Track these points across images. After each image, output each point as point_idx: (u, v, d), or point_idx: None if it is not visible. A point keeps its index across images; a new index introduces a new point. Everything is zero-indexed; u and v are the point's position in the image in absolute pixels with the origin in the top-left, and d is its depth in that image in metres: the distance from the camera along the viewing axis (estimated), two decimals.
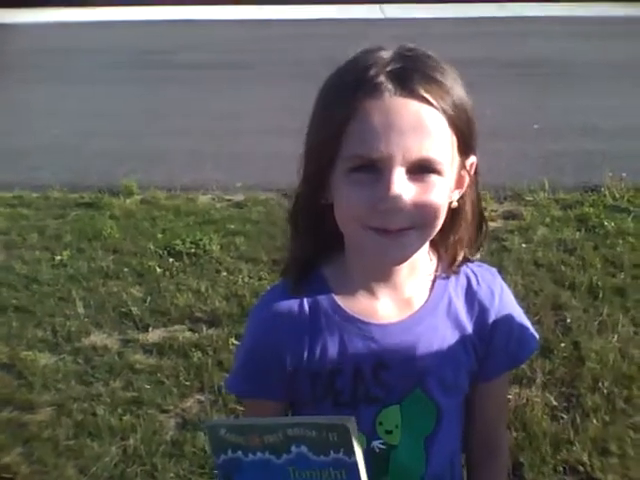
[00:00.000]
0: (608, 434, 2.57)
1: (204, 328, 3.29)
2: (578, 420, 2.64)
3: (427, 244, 1.08)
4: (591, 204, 4.55)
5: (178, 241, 4.12)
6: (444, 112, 0.98)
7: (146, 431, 2.65)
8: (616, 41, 9.95)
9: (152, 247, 4.09)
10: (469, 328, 1.12)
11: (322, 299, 1.11)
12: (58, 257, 4.04)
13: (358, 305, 1.10)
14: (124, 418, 2.73)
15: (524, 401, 2.72)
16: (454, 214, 1.08)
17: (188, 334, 3.27)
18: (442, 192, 1.00)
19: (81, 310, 3.46)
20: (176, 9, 13.51)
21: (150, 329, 3.32)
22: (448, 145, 0.99)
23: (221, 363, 3.01)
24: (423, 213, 0.99)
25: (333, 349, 1.09)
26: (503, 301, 1.14)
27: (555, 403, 2.74)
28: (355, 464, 0.89)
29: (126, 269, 3.87)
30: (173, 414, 2.78)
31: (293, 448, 0.91)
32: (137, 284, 3.73)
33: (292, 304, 1.11)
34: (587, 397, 2.75)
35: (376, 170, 0.97)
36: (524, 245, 4.05)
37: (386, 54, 0.99)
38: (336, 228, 1.05)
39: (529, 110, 6.79)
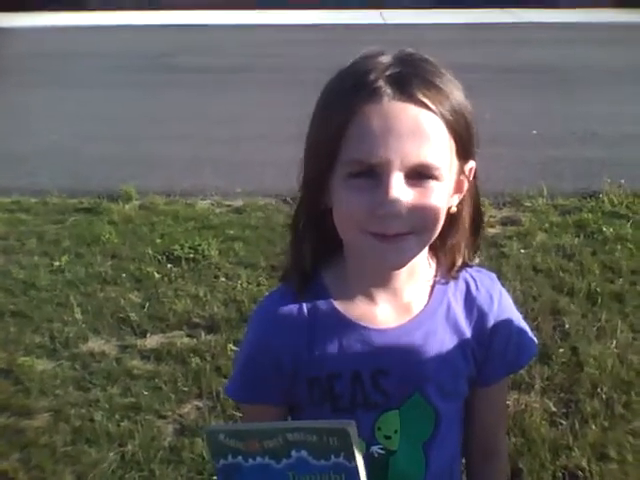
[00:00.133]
0: (607, 440, 2.56)
1: (202, 334, 3.28)
2: (577, 426, 2.63)
3: (426, 249, 1.08)
4: (590, 210, 4.56)
5: (177, 246, 4.12)
6: (443, 117, 0.98)
7: (144, 437, 2.64)
8: (617, 47, 9.98)
9: (151, 252, 4.09)
10: (468, 333, 1.12)
11: (321, 304, 1.11)
12: (56, 262, 4.03)
13: (357, 310, 1.10)
14: (122, 424, 2.72)
15: (523, 407, 2.72)
16: (453, 219, 1.08)
17: (186, 340, 3.27)
18: (441, 197, 1.00)
19: (79, 316, 3.45)
20: (175, 14, 13.55)
21: (148, 335, 3.31)
22: (447, 150, 0.99)
23: (219, 369, 3.00)
24: (421, 218, 0.99)
25: (332, 354, 1.09)
26: (502, 306, 1.14)
27: (554, 409, 2.74)
28: (355, 469, 0.89)
29: (124, 274, 3.87)
30: (171, 420, 2.77)
31: (293, 453, 0.91)
32: (135, 290, 3.72)
33: (291, 309, 1.11)
34: (586, 403, 2.74)
35: (375, 175, 0.97)
36: (523, 251, 4.05)
37: (385, 59, 1.00)
38: (335, 233, 1.05)
39: (528, 116, 6.80)
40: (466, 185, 1.07)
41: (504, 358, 1.14)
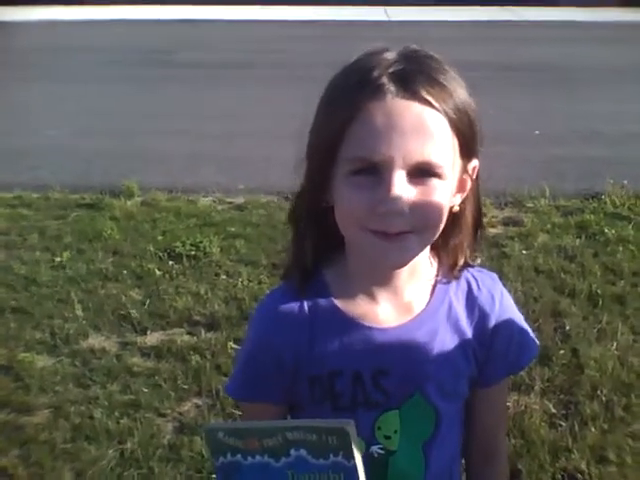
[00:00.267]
0: (607, 442, 2.56)
1: (203, 331, 3.28)
2: (577, 428, 2.63)
3: (428, 248, 1.08)
4: (592, 211, 4.55)
5: (178, 243, 4.11)
6: (446, 115, 0.97)
7: (143, 435, 2.64)
8: (621, 46, 9.96)
9: (152, 249, 4.09)
10: (469, 333, 1.12)
11: (322, 302, 1.10)
12: (58, 258, 4.03)
13: (358, 308, 1.10)
14: (121, 421, 2.72)
15: (522, 408, 2.72)
16: (455, 218, 1.07)
17: (186, 337, 3.27)
18: (443, 196, 1.00)
19: (80, 312, 3.45)
20: (176, 8, 13.52)
21: (148, 332, 3.31)
22: (450, 148, 0.99)
23: (219, 367, 3.01)
24: (423, 217, 0.99)
25: (333, 352, 1.09)
26: (503, 306, 1.14)
27: (554, 410, 2.73)
28: (354, 468, 0.89)
29: (125, 271, 3.87)
30: (170, 418, 2.77)
31: (292, 451, 0.91)
32: (136, 287, 3.72)
33: (292, 307, 1.10)
34: (586, 405, 2.74)
35: (377, 173, 0.97)
36: (524, 252, 4.05)
37: (390, 55, 0.99)
38: (337, 230, 1.05)
39: (530, 114, 6.79)
40: (469, 184, 1.07)
41: (505, 358, 1.14)
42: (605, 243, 4.12)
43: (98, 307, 3.51)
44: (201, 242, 4.11)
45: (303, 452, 0.90)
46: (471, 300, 1.13)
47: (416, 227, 0.99)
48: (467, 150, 1.02)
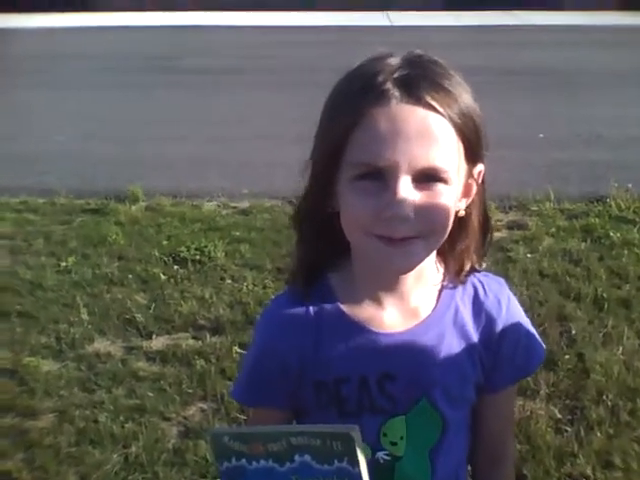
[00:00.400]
0: (612, 447, 2.55)
1: (208, 336, 3.28)
2: (582, 433, 2.62)
3: (434, 253, 1.08)
4: (597, 215, 4.54)
5: (183, 248, 4.12)
6: (451, 120, 0.97)
7: (148, 439, 2.64)
8: (621, 50, 9.95)
9: (157, 254, 4.09)
10: (475, 338, 1.11)
11: (328, 306, 1.10)
12: (63, 263, 4.04)
13: (364, 313, 1.10)
14: (126, 426, 2.72)
15: (528, 413, 2.71)
16: (461, 223, 1.07)
17: (191, 342, 3.27)
18: (448, 201, 1.00)
19: (85, 316, 3.46)
20: (179, 15, 13.54)
21: (154, 336, 3.31)
22: (455, 153, 0.99)
23: (224, 371, 3.00)
24: (429, 222, 0.99)
25: (339, 357, 1.09)
26: (510, 311, 1.14)
27: (559, 416, 2.72)
28: (359, 474, 0.89)
29: (130, 276, 3.87)
30: (175, 422, 2.77)
31: (297, 457, 0.91)
32: (141, 291, 3.73)
33: (298, 312, 1.10)
34: (591, 410, 2.73)
35: (381, 178, 0.96)
36: (529, 255, 4.04)
37: (394, 61, 0.99)
38: (343, 236, 1.05)
39: (532, 118, 6.79)
40: (474, 189, 1.07)
41: (513, 362, 1.14)
42: (610, 247, 4.11)
43: (103, 311, 3.52)
44: (206, 247, 4.12)
45: (307, 457, 0.90)
46: (477, 305, 1.13)
47: (422, 232, 0.99)
48: (472, 155, 1.02)
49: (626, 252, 4.02)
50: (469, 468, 1.23)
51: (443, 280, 1.12)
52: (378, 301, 1.10)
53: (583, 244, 4.16)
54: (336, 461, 0.89)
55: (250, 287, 3.71)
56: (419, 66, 0.99)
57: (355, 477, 0.89)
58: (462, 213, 1.06)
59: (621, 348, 3.11)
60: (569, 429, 2.65)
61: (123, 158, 5.90)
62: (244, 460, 0.93)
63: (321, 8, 13.72)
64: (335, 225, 1.04)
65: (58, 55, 10.25)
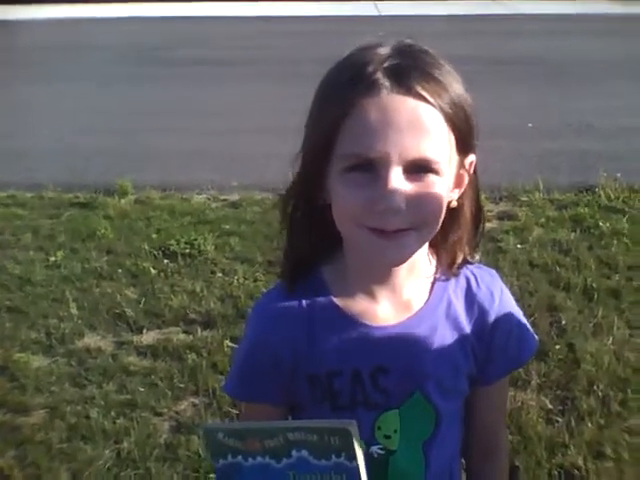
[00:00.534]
0: (603, 437, 2.57)
1: (199, 330, 3.28)
2: (573, 423, 2.63)
3: (426, 246, 1.07)
4: (586, 205, 4.55)
5: (173, 241, 4.10)
6: (442, 110, 0.96)
7: (140, 434, 2.64)
8: (614, 39, 9.95)
9: (147, 247, 4.07)
10: (468, 330, 1.11)
11: (320, 300, 1.10)
12: (52, 258, 4.02)
13: (357, 306, 1.09)
14: (118, 421, 2.71)
15: (519, 404, 2.72)
16: (453, 214, 1.07)
17: (182, 336, 3.26)
18: (440, 192, 0.99)
19: (75, 311, 3.44)
20: (174, 6, 13.47)
21: (144, 331, 3.30)
22: (446, 144, 0.98)
23: (215, 365, 3.00)
24: (421, 213, 0.98)
25: (331, 351, 1.08)
26: (503, 302, 1.14)
27: (550, 406, 2.74)
28: (356, 469, 0.89)
29: (120, 270, 3.86)
30: (167, 417, 2.77)
31: (294, 452, 0.90)
32: (131, 285, 3.71)
33: (290, 304, 1.10)
34: (582, 400, 2.74)
35: (372, 169, 0.96)
36: (519, 246, 4.05)
37: (383, 50, 0.98)
38: (335, 228, 1.04)
39: (523, 108, 6.79)
40: (466, 179, 1.06)
41: (505, 353, 1.13)
42: (600, 236, 4.12)
43: (93, 306, 3.50)
44: (196, 240, 4.10)
45: (305, 453, 0.90)
46: (470, 297, 1.12)
47: (414, 224, 0.98)
48: (463, 145, 1.01)
49: (615, 242, 4.04)
50: (463, 461, 1.23)
51: (436, 272, 1.12)
52: (371, 294, 1.09)
53: (573, 234, 4.17)
54: (334, 456, 0.88)
55: (241, 280, 3.70)
56: (409, 56, 0.98)
57: (353, 472, 0.89)
58: (454, 204, 1.06)
59: (611, 338, 3.13)
60: (560, 419, 2.67)
61: (112, 150, 5.86)
62: (240, 457, 0.92)
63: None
64: (327, 218, 1.04)
65: (56, 47, 10.14)
